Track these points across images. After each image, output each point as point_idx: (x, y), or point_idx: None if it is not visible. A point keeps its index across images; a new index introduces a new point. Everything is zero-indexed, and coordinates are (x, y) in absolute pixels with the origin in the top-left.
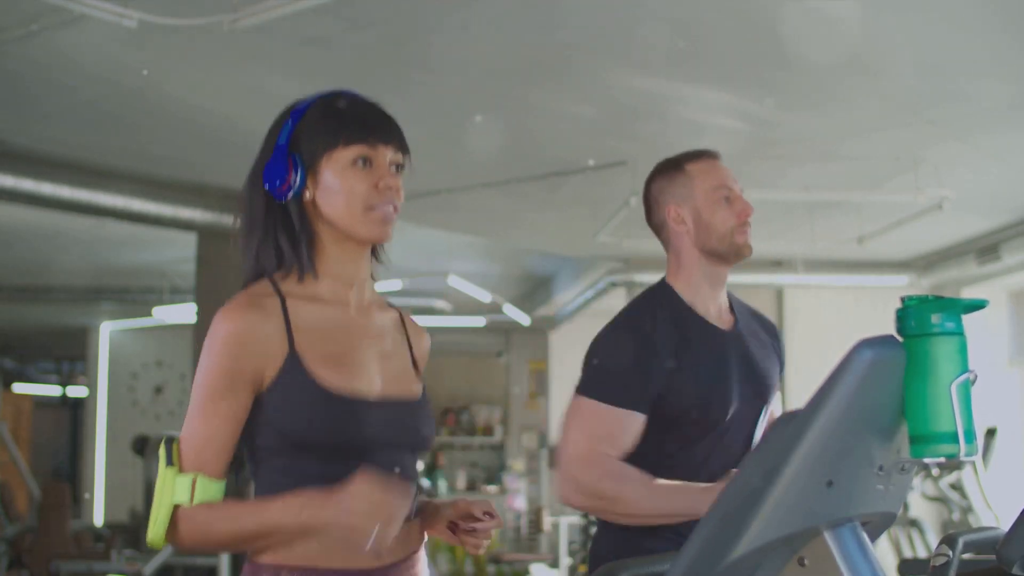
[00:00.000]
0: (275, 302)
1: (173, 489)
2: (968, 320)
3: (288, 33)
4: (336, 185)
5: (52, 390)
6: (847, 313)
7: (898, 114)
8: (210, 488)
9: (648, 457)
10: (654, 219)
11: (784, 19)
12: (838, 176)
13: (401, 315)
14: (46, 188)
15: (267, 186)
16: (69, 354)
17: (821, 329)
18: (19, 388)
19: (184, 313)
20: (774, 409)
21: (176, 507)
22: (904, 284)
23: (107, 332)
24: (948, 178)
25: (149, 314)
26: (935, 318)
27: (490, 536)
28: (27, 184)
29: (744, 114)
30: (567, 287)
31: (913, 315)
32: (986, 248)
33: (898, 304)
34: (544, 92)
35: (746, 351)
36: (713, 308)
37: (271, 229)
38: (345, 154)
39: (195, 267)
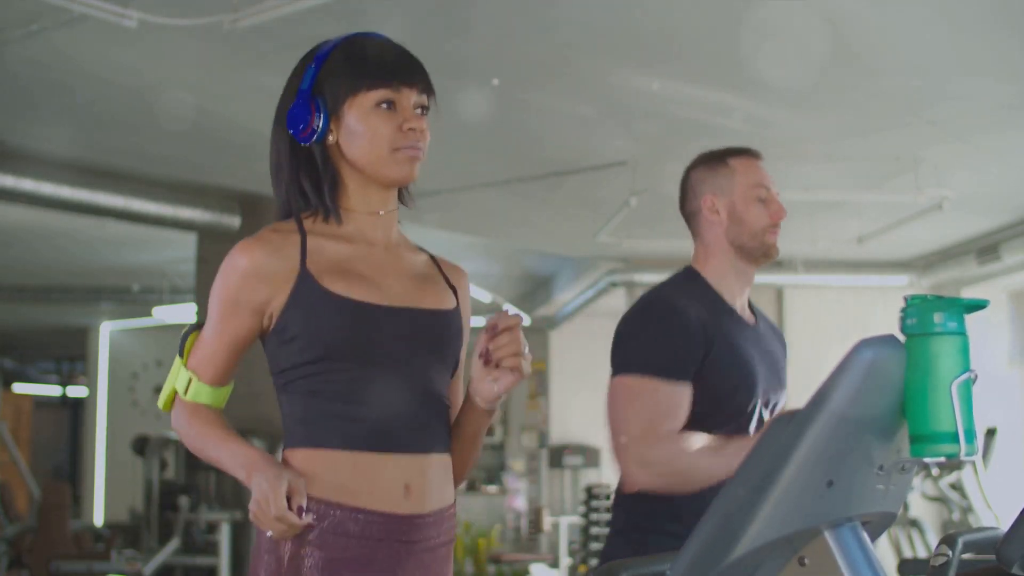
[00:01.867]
0: (294, 238)
1: (176, 377)
2: (969, 320)
3: (288, 33)
4: (360, 128)
5: (52, 390)
6: (847, 313)
7: (898, 114)
8: (202, 391)
9: None
10: (688, 207)
11: (784, 19)
12: (838, 176)
13: (432, 256)
14: (46, 188)
15: (290, 130)
16: (69, 354)
17: (821, 329)
18: (19, 388)
19: (184, 313)
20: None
21: (175, 393)
22: (904, 284)
23: (107, 332)
24: (948, 178)
25: (149, 314)
26: (937, 317)
27: (520, 341)
28: (27, 184)
29: (744, 114)
30: (567, 287)
31: (915, 314)
32: (986, 248)
33: (899, 303)
34: (544, 92)
35: (767, 348)
36: (738, 302)
37: (295, 172)
38: (368, 97)
39: (195, 267)
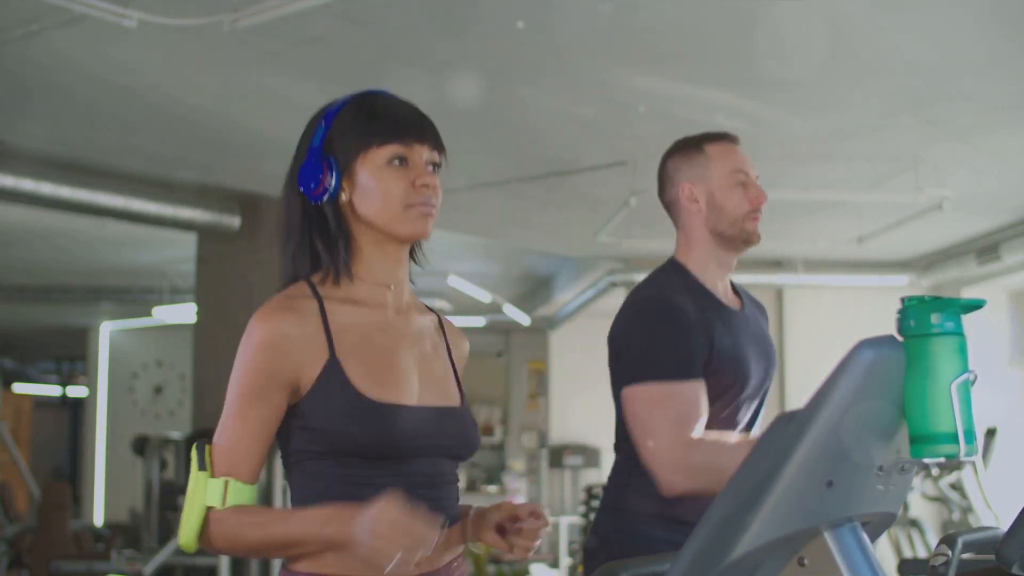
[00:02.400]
0: (312, 304)
1: (205, 492)
2: (968, 320)
3: (288, 33)
4: (372, 185)
5: (52, 390)
6: (847, 313)
7: (898, 114)
8: (242, 492)
9: None
10: (667, 196)
11: (784, 19)
12: (838, 176)
13: (440, 319)
14: (46, 188)
15: (302, 189)
16: (69, 354)
17: (821, 329)
18: (19, 388)
19: (184, 313)
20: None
21: (208, 510)
22: (904, 284)
23: (107, 332)
24: (948, 178)
25: (149, 314)
26: (935, 318)
27: (538, 537)
28: (27, 184)
29: (744, 114)
30: (567, 287)
31: (913, 315)
32: (986, 248)
33: (898, 304)
34: (544, 92)
35: (755, 331)
36: (721, 287)
37: (307, 232)
38: (380, 154)
39: (195, 267)
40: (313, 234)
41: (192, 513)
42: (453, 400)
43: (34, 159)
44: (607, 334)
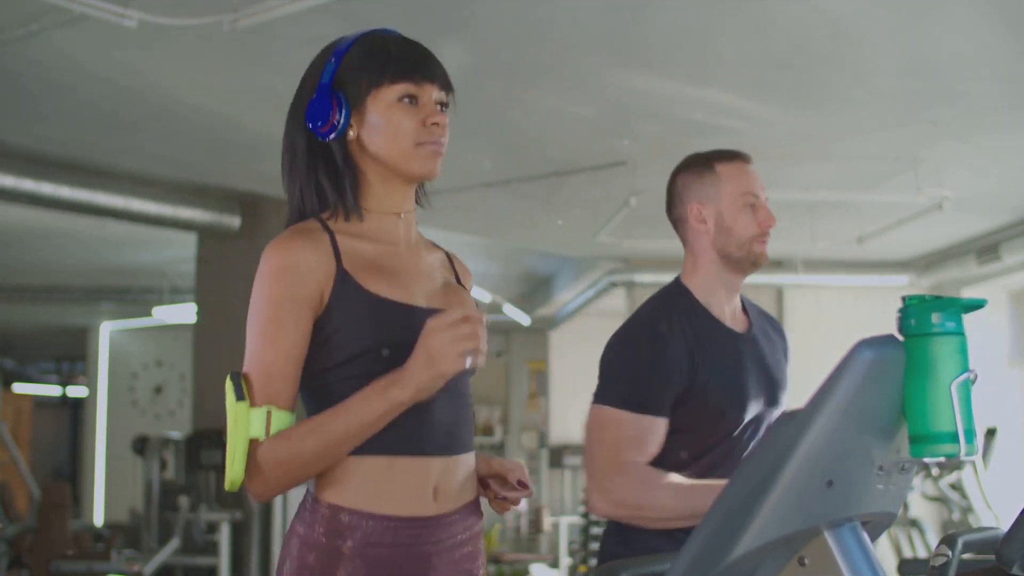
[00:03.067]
0: (324, 235)
1: (248, 423)
2: (968, 320)
3: (288, 33)
4: (382, 123)
5: (52, 390)
6: (847, 313)
7: (898, 114)
8: (284, 419)
9: (661, 464)
10: (674, 213)
11: (784, 19)
12: (838, 176)
13: (448, 255)
14: (46, 188)
15: (309, 125)
16: (69, 354)
17: (821, 329)
18: (19, 388)
19: (184, 313)
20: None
21: (253, 442)
22: (904, 284)
23: (107, 332)
24: (948, 178)
25: (149, 314)
26: (935, 318)
27: (517, 503)
28: (27, 184)
29: (744, 114)
30: (567, 287)
31: (913, 315)
32: (986, 248)
33: (898, 304)
34: (544, 92)
35: (760, 354)
36: (728, 310)
37: (313, 169)
38: (391, 91)
39: (195, 267)
40: (319, 172)
41: (238, 446)
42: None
43: (34, 159)
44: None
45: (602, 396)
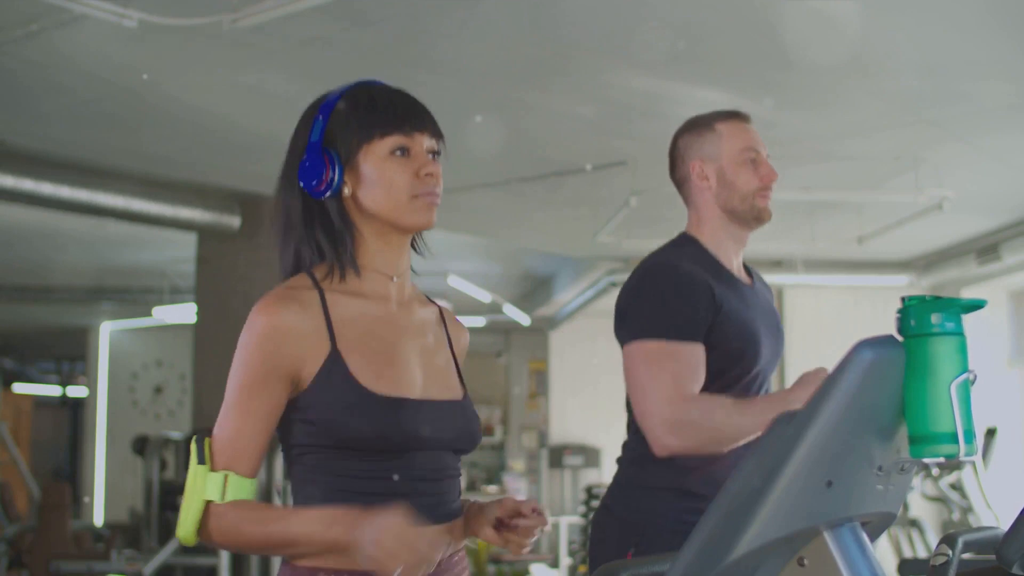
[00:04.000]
0: (314, 296)
1: (204, 486)
2: (968, 320)
3: (288, 33)
4: (376, 177)
5: (52, 390)
6: (847, 313)
7: (898, 114)
8: (241, 486)
9: None
10: (677, 173)
11: (784, 19)
12: (838, 176)
13: (441, 311)
14: (46, 188)
15: (303, 185)
16: (69, 354)
17: (821, 329)
18: (19, 388)
19: (184, 313)
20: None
21: (207, 504)
22: (904, 284)
23: (107, 332)
24: (948, 178)
25: (149, 314)
26: (935, 318)
27: (534, 535)
28: (27, 184)
29: None
30: (567, 287)
31: (913, 315)
32: (986, 248)
33: (898, 304)
34: (544, 92)
35: (766, 306)
36: (735, 263)
37: (310, 228)
38: (383, 144)
39: (195, 267)
40: (316, 230)
41: (191, 507)
42: (455, 393)
43: (34, 159)
44: (614, 306)
45: (643, 331)
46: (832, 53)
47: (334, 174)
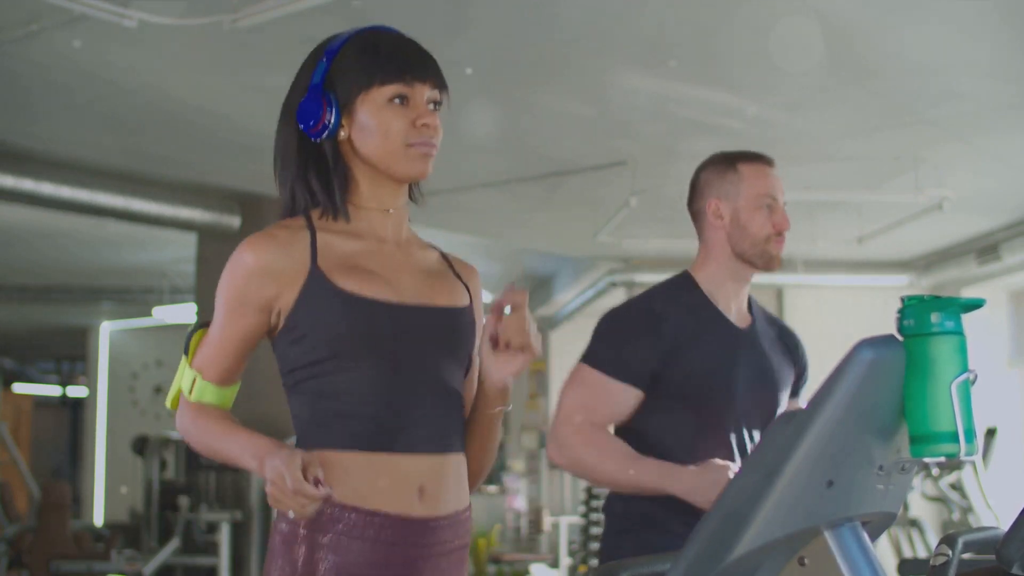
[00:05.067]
0: (304, 235)
1: (181, 376)
2: (968, 320)
3: (288, 33)
4: (372, 124)
5: (52, 390)
6: (847, 313)
7: (898, 114)
8: (205, 389)
9: (648, 448)
10: (694, 206)
11: (784, 19)
12: (838, 176)
13: (444, 255)
14: (46, 188)
15: (300, 125)
16: (69, 354)
17: (821, 329)
18: (19, 388)
19: (184, 313)
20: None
21: (180, 393)
22: (904, 284)
23: (107, 332)
24: (948, 178)
25: (149, 314)
26: (934, 318)
27: (525, 319)
28: (27, 184)
29: (744, 114)
30: (567, 287)
31: (913, 315)
32: (986, 248)
33: (898, 304)
34: (544, 92)
35: (759, 351)
36: (734, 305)
37: (304, 168)
38: (381, 92)
39: (195, 267)
40: (309, 171)
41: (173, 389)
42: (456, 302)
43: (34, 159)
44: None
45: (585, 356)
46: (831, 53)
47: (330, 117)
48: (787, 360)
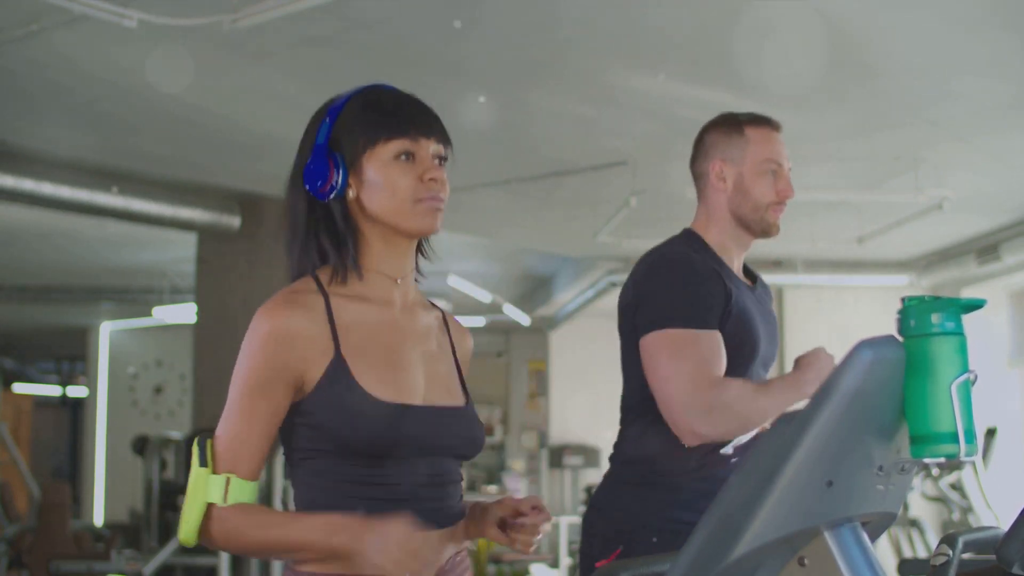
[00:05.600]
0: (318, 300)
1: (206, 489)
2: (968, 320)
3: (288, 33)
4: (380, 181)
5: (52, 390)
6: (847, 313)
7: (898, 114)
8: (243, 489)
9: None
10: (697, 167)
11: (784, 19)
12: (838, 176)
13: (444, 316)
14: (46, 188)
15: (308, 187)
16: (69, 354)
17: (821, 329)
18: (19, 388)
19: (184, 313)
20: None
21: (209, 507)
22: (904, 284)
23: (107, 332)
24: (948, 178)
25: (149, 314)
26: (935, 318)
27: (539, 532)
28: (27, 184)
29: None
30: (567, 287)
31: (913, 315)
32: (986, 248)
33: (898, 304)
34: (544, 92)
35: (765, 309)
36: (736, 265)
37: (313, 230)
38: (387, 149)
39: (195, 267)
40: (320, 232)
41: (193, 508)
42: (458, 399)
43: (34, 159)
44: (618, 302)
45: (660, 321)
46: (832, 53)
47: (338, 177)
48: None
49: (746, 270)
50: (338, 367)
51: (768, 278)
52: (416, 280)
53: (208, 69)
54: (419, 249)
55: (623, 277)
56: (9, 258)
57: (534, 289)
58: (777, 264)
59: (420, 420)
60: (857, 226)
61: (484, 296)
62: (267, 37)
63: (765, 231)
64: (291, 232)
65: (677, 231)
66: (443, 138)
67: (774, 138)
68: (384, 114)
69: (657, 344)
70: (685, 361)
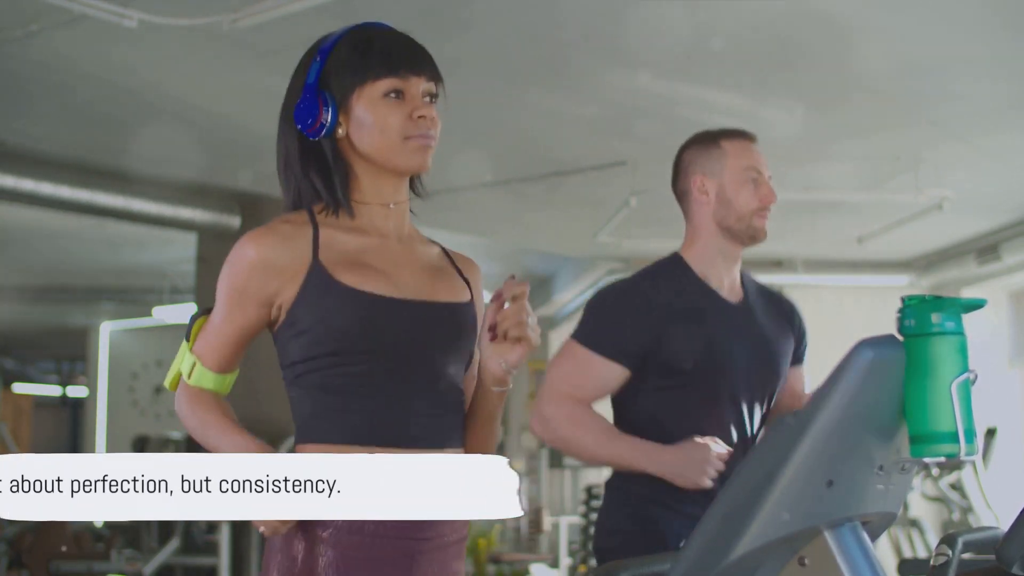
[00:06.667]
0: (306, 229)
1: (182, 360)
2: (968, 320)
3: (288, 33)
4: (369, 119)
5: (52, 390)
6: (847, 313)
7: (898, 114)
8: (204, 376)
9: (643, 426)
10: (679, 186)
11: (783, 19)
12: (838, 176)
13: (445, 250)
14: (46, 188)
15: (299, 126)
16: (69, 354)
17: (821, 329)
18: (19, 388)
19: (184, 313)
20: (795, 384)
21: (182, 378)
22: (904, 284)
23: (107, 332)
24: (948, 178)
25: (149, 314)
26: (935, 318)
27: (524, 311)
28: (27, 184)
29: (744, 114)
30: (567, 287)
31: (913, 315)
32: (986, 248)
33: (898, 304)
34: (544, 92)
35: (755, 325)
36: (726, 281)
37: (306, 168)
38: (376, 88)
39: (195, 267)
40: (311, 170)
41: (174, 369)
42: (458, 297)
43: (34, 159)
44: None
45: (574, 333)
46: (832, 53)
47: (327, 116)
48: (784, 329)
49: (748, 282)
50: (316, 273)
51: (768, 278)
52: (412, 212)
53: (208, 69)
54: (412, 188)
55: (623, 277)
56: (9, 258)
57: (534, 289)
58: (777, 264)
59: (409, 311)
60: (857, 226)
61: (484, 296)
62: (267, 37)
63: (753, 237)
64: (283, 170)
65: (676, 231)
66: (433, 76)
67: (750, 148)
68: (373, 53)
69: (561, 349)
70: (560, 372)
